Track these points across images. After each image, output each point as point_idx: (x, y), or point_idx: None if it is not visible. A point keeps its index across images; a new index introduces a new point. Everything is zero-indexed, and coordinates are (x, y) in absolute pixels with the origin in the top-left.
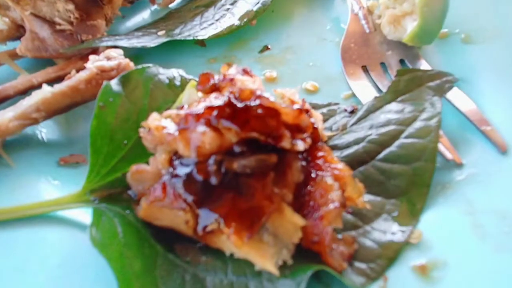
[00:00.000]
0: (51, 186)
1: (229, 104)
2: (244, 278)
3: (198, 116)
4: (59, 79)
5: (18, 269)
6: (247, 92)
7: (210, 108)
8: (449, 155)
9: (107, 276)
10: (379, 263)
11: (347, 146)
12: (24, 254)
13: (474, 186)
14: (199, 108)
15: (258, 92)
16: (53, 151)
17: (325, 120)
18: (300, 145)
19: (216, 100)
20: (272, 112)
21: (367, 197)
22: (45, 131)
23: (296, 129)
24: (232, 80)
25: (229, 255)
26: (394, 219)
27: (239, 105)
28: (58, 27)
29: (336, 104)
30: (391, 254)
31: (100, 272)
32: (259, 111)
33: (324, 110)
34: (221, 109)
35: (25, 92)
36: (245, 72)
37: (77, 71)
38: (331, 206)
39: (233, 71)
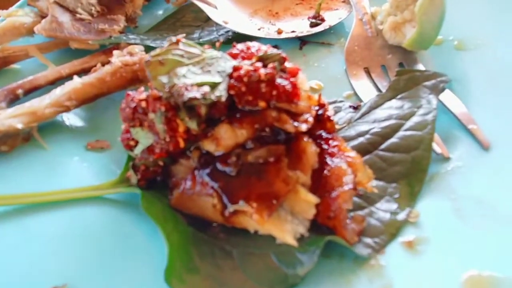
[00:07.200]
0: (81, 167)
1: None
2: (266, 250)
3: None
4: (84, 71)
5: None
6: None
7: None
8: (438, 150)
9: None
10: (383, 238)
11: (353, 138)
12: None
13: (457, 176)
14: None
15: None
16: (80, 137)
17: None
18: (303, 126)
19: None
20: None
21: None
22: (72, 118)
23: (296, 115)
24: None
25: (253, 232)
26: (395, 201)
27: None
28: (78, 15)
29: (341, 101)
30: (393, 230)
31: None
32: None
33: (331, 106)
34: None
35: (54, 82)
36: None
37: (102, 65)
38: (346, 187)
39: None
